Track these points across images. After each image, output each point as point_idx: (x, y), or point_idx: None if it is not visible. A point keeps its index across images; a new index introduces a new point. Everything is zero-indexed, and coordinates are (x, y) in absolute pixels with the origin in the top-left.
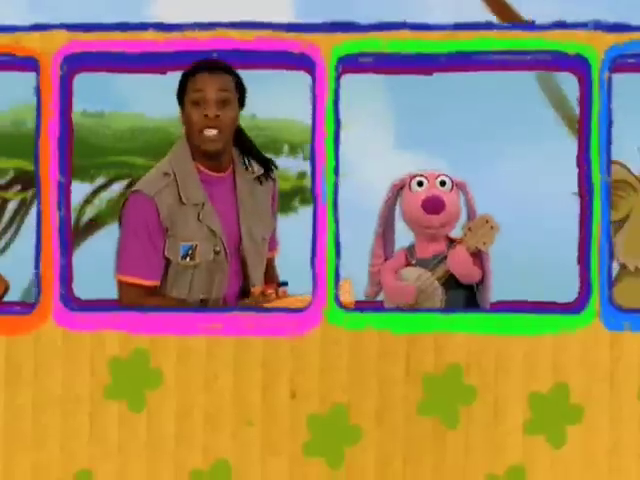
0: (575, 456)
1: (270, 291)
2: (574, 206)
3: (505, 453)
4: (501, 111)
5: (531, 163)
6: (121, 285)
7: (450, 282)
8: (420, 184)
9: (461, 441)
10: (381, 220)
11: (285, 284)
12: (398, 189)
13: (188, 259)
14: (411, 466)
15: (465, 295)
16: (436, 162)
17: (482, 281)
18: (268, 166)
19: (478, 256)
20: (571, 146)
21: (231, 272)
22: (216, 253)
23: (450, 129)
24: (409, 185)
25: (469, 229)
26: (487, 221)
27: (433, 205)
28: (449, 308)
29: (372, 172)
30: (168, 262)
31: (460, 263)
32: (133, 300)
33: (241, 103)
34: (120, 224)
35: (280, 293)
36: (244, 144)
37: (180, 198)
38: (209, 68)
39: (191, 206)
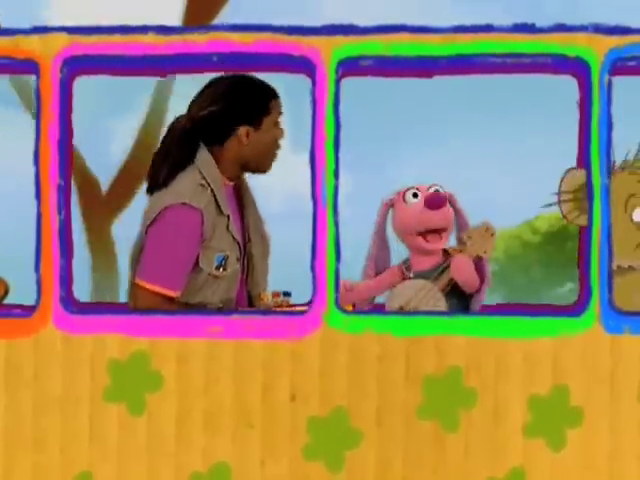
0: (575, 459)
1: (278, 298)
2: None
3: (505, 456)
4: (403, 113)
5: (432, 165)
6: (142, 291)
7: (451, 291)
8: (415, 195)
9: (461, 444)
10: (375, 241)
11: (288, 294)
12: (389, 207)
13: (221, 269)
14: (411, 469)
15: (463, 303)
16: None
17: (480, 287)
18: None
19: (477, 263)
20: (477, 149)
21: (240, 277)
22: (238, 261)
23: (350, 131)
24: (403, 199)
25: (469, 237)
26: (487, 229)
27: (436, 199)
28: (448, 311)
29: (269, 176)
30: (199, 272)
31: (465, 271)
32: (153, 308)
33: None
34: (155, 232)
35: (283, 303)
36: None
37: (220, 210)
38: (273, 89)
39: (224, 217)
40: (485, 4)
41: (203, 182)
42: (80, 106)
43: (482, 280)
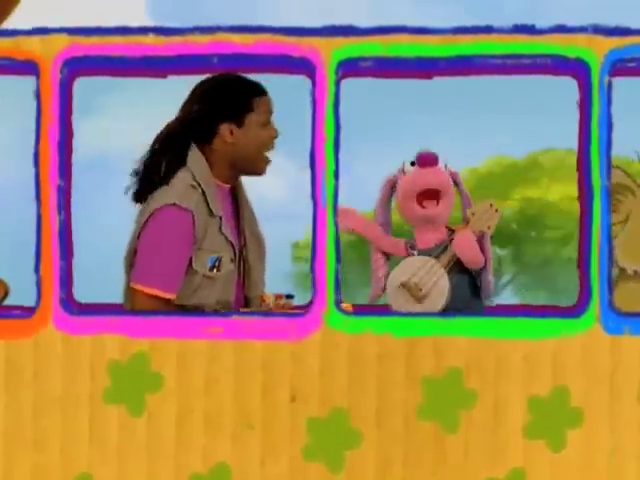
0: (575, 460)
1: (280, 300)
2: None
3: (505, 457)
4: (357, 114)
5: (387, 164)
6: (139, 295)
7: (454, 269)
8: (413, 164)
9: (461, 445)
10: (378, 218)
11: (291, 297)
12: (392, 185)
13: (215, 270)
14: (411, 470)
15: (469, 281)
16: (293, 160)
17: (484, 266)
18: None
19: (480, 241)
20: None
21: (237, 280)
22: (232, 262)
23: (304, 130)
24: (403, 171)
25: (472, 214)
26: (491, 205)
27: (426, 156)
28: (449, 312)
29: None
30: (193, 274)
31: (467, 247)
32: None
33: None
34: (147, 235)
35: (285, 305)
36: None
37: (210, 211)
38: (262, 89)
39: (216, 218)
40: (447, 5)
41: (194, 183)
42: None
43: (485, 257)
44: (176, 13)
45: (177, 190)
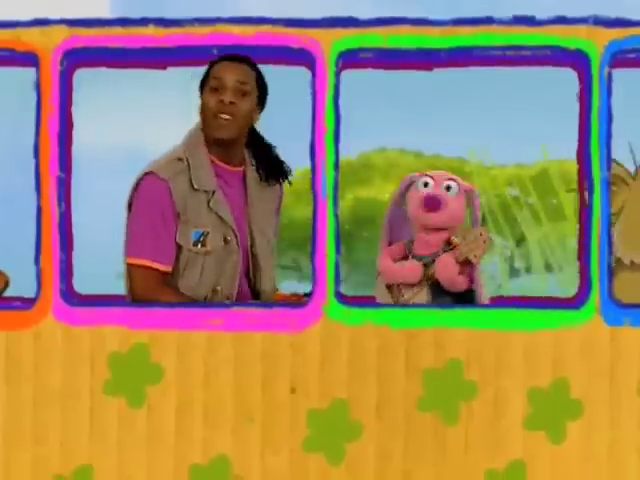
0: (575, 452)
1: (295, 299)
2: None
3: (505, 448)
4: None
5: None
6: (133, 269)
7: (438, 287)
8: (426, 185)
9: (461, 436)
10: (387, 215)
11: (310, 295)
12: (407, 185)
13: (199, 246)
14: (411, 462)
15: (451, 302)
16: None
17: (470, 291)
18: (282, 172)
19: (467, 266)
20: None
21: (240, 272)
22: (226, 242)
23: (282, 125)
24: (416, 184)
25: (463, 237)
26: (481, 234)
27: (431, 203)
28: (449, 304)
29: None
30: (179, 249)
31: (444, 270)
32: (145, 286)
33: (261, 103)
34: (131, 205)
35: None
36: (259, 148)
37: (192, 184)
38: (231, 58)
39: (202, 193)
40: (407, 5)
41: (182, 156)
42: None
43: (471, 282)
44: (140, 12)
45: (161, 161)
